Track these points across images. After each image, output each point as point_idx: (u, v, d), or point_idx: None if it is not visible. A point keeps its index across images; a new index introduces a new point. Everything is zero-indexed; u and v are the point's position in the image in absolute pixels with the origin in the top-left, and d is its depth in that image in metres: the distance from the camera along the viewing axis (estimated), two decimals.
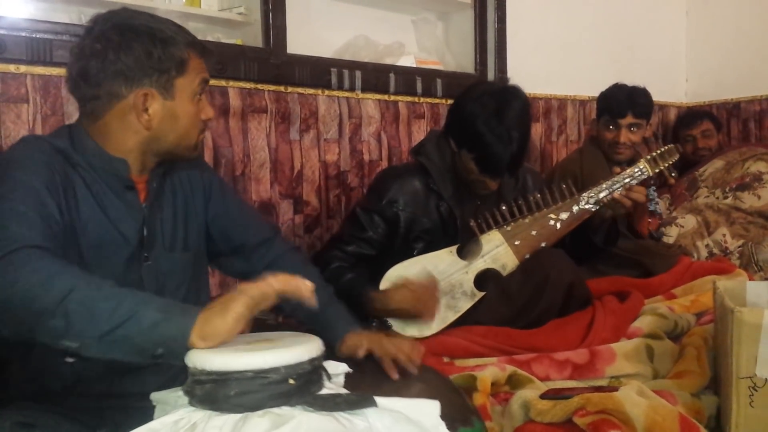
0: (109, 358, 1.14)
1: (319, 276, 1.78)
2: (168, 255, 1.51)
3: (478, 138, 2.08)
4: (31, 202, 1.26)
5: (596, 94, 3.17)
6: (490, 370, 1.83)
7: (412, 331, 2.06)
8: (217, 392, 1.08)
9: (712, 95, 4.39)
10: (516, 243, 2.14)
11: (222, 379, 1.08)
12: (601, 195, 2.19)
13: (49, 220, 1.27)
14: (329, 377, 1.22)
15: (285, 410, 1.08)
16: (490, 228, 2.15)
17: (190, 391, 1.12)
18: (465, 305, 2.11)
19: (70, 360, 1.33)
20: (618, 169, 2.24)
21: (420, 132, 3.00)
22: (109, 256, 1.40)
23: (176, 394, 1.18)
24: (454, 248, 2.15)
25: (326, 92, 2.72)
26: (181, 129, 1.45)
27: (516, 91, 2.16)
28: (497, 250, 2.14)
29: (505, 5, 3.31)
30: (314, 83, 2.67)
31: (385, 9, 3.11)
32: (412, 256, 2.18)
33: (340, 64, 2.76)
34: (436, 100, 3.06)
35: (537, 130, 3.63)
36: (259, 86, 2.52)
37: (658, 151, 2.26)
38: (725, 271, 2.79)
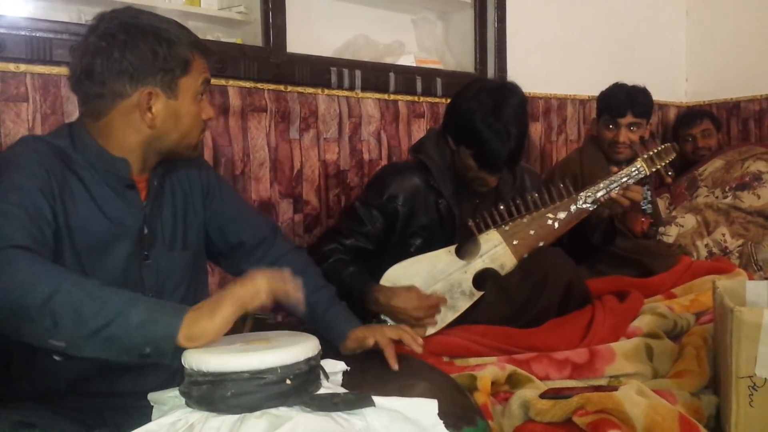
0: (97, 358, 1.15)
1: (321, 276, 1.78)
2: (168, 254, 1.51)
3: (477, 134, 2.08)
4: (22, 203, 1.26)
5: (596, 93, 3.17)
6: (489, 370, 1.83)
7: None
8: (213, 393, 1.08)
9: (712, 95, 4.39)
10: (514, 242, 2.14)
11: (219, 380, 1.08)
12: (599, 194, 2.19)
13: (39, 222, 1.27)
14: (327, 376, 1.22)
15: (282, 411, 1.08)
16: (488, 227, 2.15)
17: (187, 392, 1.12)
18: (464, 305, 2.11)
19: (57, 358, 1.34)
20: (615, 169, 2.24)
21: (420, 131, 2.99)
22: (109, 256, 1.41)
23: (173, 395, 1.18)
24: (452, 248, 2.15)
25: (326, 91, 2.72)
26: (183, 128, 1.45)
27: (513, 88, 2.17)
28: (495, 250, 2.14)
29: (505, 5, 3.30)
30: (314, 82, 2.66)
31: (384, 8, 3.11)
32: (409, 251, 2.18)
33: (339, 63, 2.75)
34: (436, 100, 3.06)
35: (537, 129, 3.63)
36: (259, 85, 2.52)
37: (655, 150, 2.25)
38: (725, 271, 2.79)
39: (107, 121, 1.41)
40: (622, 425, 1.56)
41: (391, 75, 2.89)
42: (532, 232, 2.16)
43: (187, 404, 1.12)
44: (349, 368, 1.34)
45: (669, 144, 2.30)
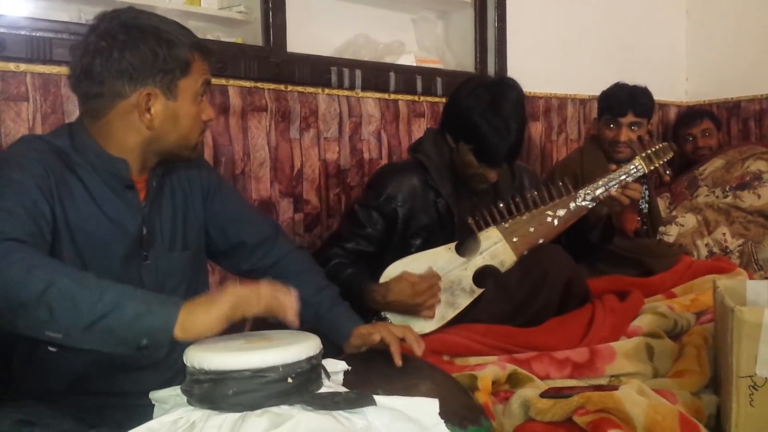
0: (95, 351, 1.15)
1: (325, 276, 1.78)
2: (167, 254, 1.51)
3: (476, 129, 2.09)
4: (19, 199, 1.27)
5: (596, 93, 3.17)
6: (490, 369, 1.83)
7: (414, 326, 2.06)
8: (215, 391, 1.08)
9: (713, 94, 4.39)
10: (514, 240, 2.15)
11: (220, 378, 1.08)
12: (598, 192, 2.20)
13: (37, 218, 1.27)
14: (328, 375, 1.22)
15: (284, 409, 1.08)
16: (487, 225, 2.15)
17: (188, 390, 1.12)
18: (464, 302, 2.11)
19: (53, 350, 1.34)
20: (614, 167, 2.24)
21: (420, 131, 2.99)
22: (108, 256, 1.41)
23: (175, 393, 1.18)
24: (452, 245, 2.16)
25: (326, 91, 2.71)
26: (183, 129, 1.45)
27: (511, 83, 2.19)
28: (495, 247, 2.15)
29: (505, 4, 3.30)
30: (314, 82, 2.66)
31: (385, 8, 3.11)
32: (410, 252, 2.18)
33: (340, 62, 2.75)
34: (436, 99, 3.05)
35: (537, 128, 3.63)
36: (259, 85, 2.52)
37: (653, 149, 2.26)
38: (725, 270, 2.79)
39: (106, 121, 1.41)
40: (622, 425, 1.55)
41: (392, 74, 2.89)
42: (531, 230, 2.16)
43: (189, 402, 1.12)
44: (350, 368, 1.34)
45: (667, 143, 2.30)
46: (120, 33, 1.38)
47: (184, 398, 1.14)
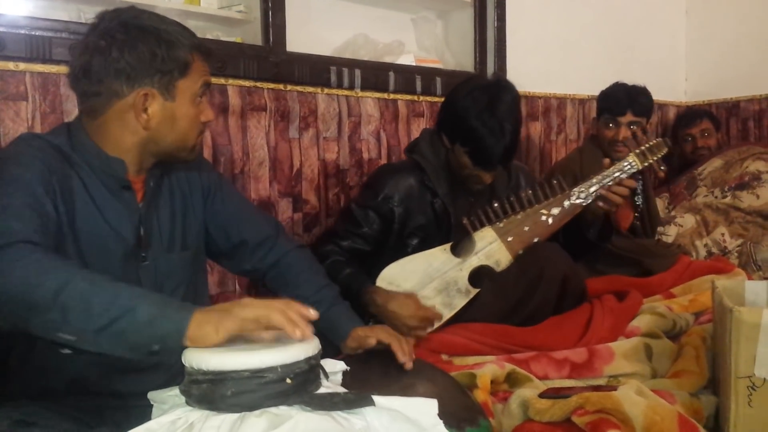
0: (106, 353, 1.15)
1: (325, 275, 1.78)
2: (166, 255, 1.51)
3: (472, 132, 2.10)
4: (26, 198, 1.26)
5: (596, 93, 3.17)
6: (489, 368, 1.83)
7: None
8: (213, 392, 1.08)
9: (712, 94, 4.39)
10: (509, 239, 2.15)
11: (219, 378, 1.08)
12: (592, 189, 2.20)
13: (43, 217, 1.27)
14: (327, 376, 1.22)
15: (282, 410, 1.08)
16: (482, 225, 2.16)
17: (187, 391, 1.12)
18: (460, 302, 2.12)
19: (66, 352, 1.33)
20: (607, 161, 2.24)
21: (419, 131, 2.97)
22: (106, 256, 1.40)
23: (173, 393, 1.18)
24: (447, 246, 2.16)
25: (326, 90, 2.71)
26: (180, 130, 1.44)
27: (507, 85, 2.19)
28: (490, 247, 2.15)
29: (504, 4, 3.30)
30: (314, 81, 2.66)
31: (384, 7, 3.11)
32: (406, 252, 2.19)
33: (339, 62, 2.75)
34: (436, 99, 3.05)
35: (536, 128, 3.63)
36: (259, 84, 2.52)
37: (647, 145, 2.26)
38: (724, 271, 2.80)
39: (104, 120, 1.41)
40: (621, 425, 1.56)
41: (391, 74, 2.89)
42: (526, 229, 2.17)
43: (188, 403, 1.12)
44: (349, 368, 1.33)
45: (661, 139, 2.30)
46: (119, 32, 1.37)
47: (183, 399, 1.14)
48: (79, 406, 1.38)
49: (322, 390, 1.16)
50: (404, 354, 1.54)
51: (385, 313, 2.02)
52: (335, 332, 1.64)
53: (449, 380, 1.58)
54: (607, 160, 2.25)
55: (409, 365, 1.53)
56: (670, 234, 3.40)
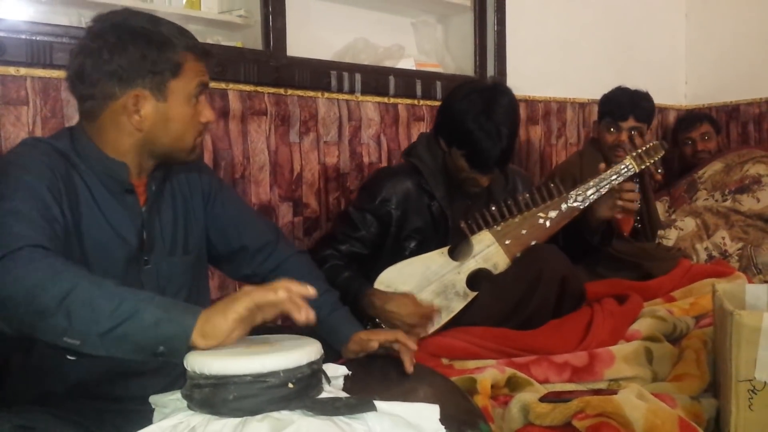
0: (111, 356, 1.15)
1: (325, 280, 1.78)
2: (168, 259, 1.51)
3: (468, 135, 2.10)
4: (33, 202, 1.26)
5: (596, 96, 3.17)
6: (489, 373, 1.83)
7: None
8: (215, 396, 1.08)
9: (712, 98, 4.40)
10: (506, 242, 2.16)
11: (221, 383, 1.08)
12: (589, 193, 2.20)
13: (51, 221, 1.27)
14: (329, 380, 1.22)
15: (284, 414, 1.08)
16: (480, 229, 2.16)
17: (188, 395, 1.12)
18: (458, 305, 2.13)
19: (71, 358, 1.33)
20: (604, 166, 2.24)
21: None
22: (109, 260, 1.40)
23: (175, 398, 1.18)
24: (445, 249, 2.17)
25: (326, 95, 2.72)
26: (175, 131, 1.44)
27: (503, 88, 2.20)
28: (488, 250, 2.15)
29: (504, 8, 3.31)
30: (314, 86, 2.67)
31: (384, 12, 3.11)
32: (404, 255, 2.19)
33: (339, 66, 2.76)
34: (436, 103, 3.05)
35: (536, 132, 3.63)
36: (259, 89, 2.52)
37: (644, 148, 2.26)
38: (724, 274, 2.80)
39: (100, 123, 1.41)
40: (621, 429, 1.56)
41: (391, 78, 2.90)
42: (524, 232, 2.17)
43: (189, 407, 1.12)
44: (350, 372, 1.33)
45: (657, 142, 2.31)
46: (110, 35, 1.38)
47: (184, 403, 1.14)
48: (80, 410, 1.38)
49: (323, 395, 1.16)
50: (408, 350, 1.54)
51: (384, 314, 2.03)
52: (336, 337, 1.64)
53: (450, 384, 1.58)
54: (602, 165, 2.25)
55: (410, 368, 1.54)
56: (670, 237, 3.40)
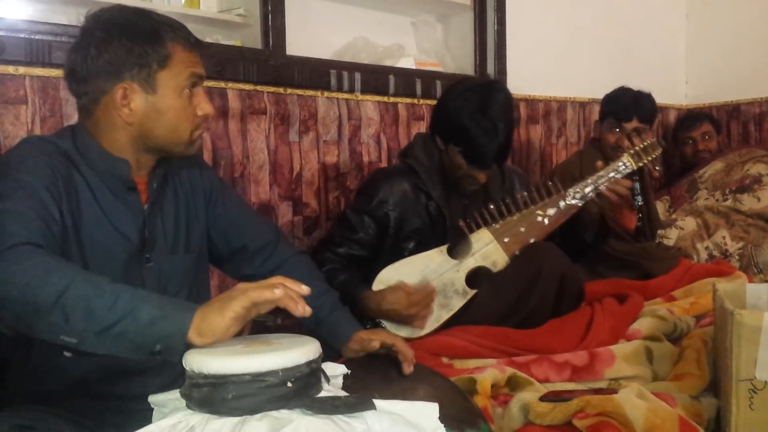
0: (108, 354, 1.14)
1: (325, 281, 1.78)
2: (170, 257, 1.51)
3: (465, 132, 2.12)
4: (30, 201, 1.26)
5: (596, 96, 3.17)
6: (489, 372, 1.83)
7: (406, 331, 2.07)
8: (214, 395, 1.08)
9: (712, 97, 4.39)
10: (505, 240, 2.16)
11: (219, 382, 1.08)
12: (587, 190, 2.21)
13: (47, 220, 1.27)
14: (328, 379, 1.22)
15: (283, 413, 1.08)
16: (479, 227, 2.17)
17: (187, 395, 1.12)
18: (458, 303, 2.13)
19: (68, 354, 1.33)
20: (601, 164, 2.25)
21: None
22: (111, 258, 1.40)
23: (174, 397, 1.18)
24: (444, 248, 2.17)
25: (325, 94, 2.72)
26: (168, 123, 1.43)
27: (498, 85, 2.23)
28: (487, 248, 2.16)
29: (504, 7, 3.31)
30: (313, 85, 2.67)
31: (384, 11, 3.11)
32: (403, 256, 2.20)
33: (339, 65, 2.76)
34: (436, 102, 3.05)
35: (536, 132, 3.63)
36: (259, 88, 2.52)
37: (641, 146, 2.27)
38: (725, 274, 2.80)
39: (96, 119, 1.41)
40: (621, 428, 1.55)
41: (391, 77, 2.90)
42: (522, 230, 2.18)
43: (188, 406, 1.12)
44: (349, 371, 1.33)
45: (655, 139, 2.31)
46: (97, 30, 1.38)
47: (183, 402, 1.13)
48: (79, 409, 1.38)
49: (323, 394, 1.16)
50: (407, 354, 1.54)
51: (382, 314, 2.04)
52: (336, 336, 1.64)
53: (449, 384, 1.58)
54: (600, 163, 2.26)
55: (410, 369, 1.53)
56: (671, 237, 3.40)
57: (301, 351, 1.13)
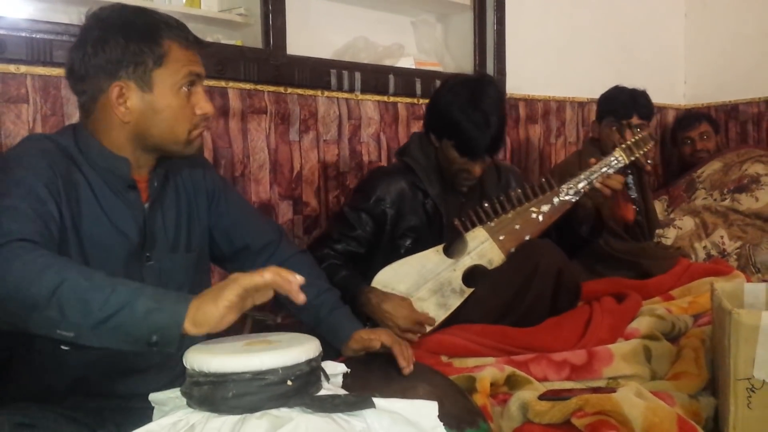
0: (106, 348, 1.15)
1: (326, 279, 1.78)
2: (170, 255, 1.51)
3: (456, 125, 2.14)
4: (28, 199, 1.26)
5: (595, 95, 3.18)
6: (488, 371, 1.83)
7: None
8: (214, 394, 1.08)
9: (711, 97, 4.40)
10: (500, 238, 2.17)
11: (220, 380, 1.08)
12: (580, 185, 2.22)
13: (45, 218, 1.27)
14: (327, 378, 1.22)
15: (283, 411, 1.08)
16: (474, 225, 2.18)
17: (188, 393, 1.12)
18: (455, 302, 2.13)
19: (65, 348, 1.33)
20: (593, 160, 2.26)
21: None
22: (111, 256, 1.40)
23: (174, 395, 1.18)
24: (440, 247, 2.18)
25: (326, 93, 2.72)
26: (165, 122, 1.42)
27: (487, 79, 2.27)
28: (482, 246, 2.16)
29: (504, 7, 3.31)
30: (314, 84, 2.67)
31: (384, 10, 3.11)
32: (399, 253, 2.21)
33: (339, 65, 2.76)
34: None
35: (535, 131, 3.64)
36: (259, 87, 2.52)
37: (633, 140, 2.28)
38: (723, 273, 2.80)
39: (95, 117, 1.42)
40: (620, 427, 1.56)
41: (391, 77, 2.90)
42: (517, 227, 2.19)
43: (188, 405, 1.12)
44: (349, 370, 1.34)
45: (646, 133, 2.32)
46: (94, 29, 1.39)
47: (184, 400, 1.14)
48: (80, 407, 1.38)
49: (322, 392, 1.16)
50: (405, 359, 1.54)
51: (379, 312, 2.04)
52: (337, 335, 1.64)
53: (449, 383, 1.59)
54: (593, 159, 2.26)
55: (408, 370, 1.54)
56: (669, 236, 3.41)
57: (301, 349, 1.14)
